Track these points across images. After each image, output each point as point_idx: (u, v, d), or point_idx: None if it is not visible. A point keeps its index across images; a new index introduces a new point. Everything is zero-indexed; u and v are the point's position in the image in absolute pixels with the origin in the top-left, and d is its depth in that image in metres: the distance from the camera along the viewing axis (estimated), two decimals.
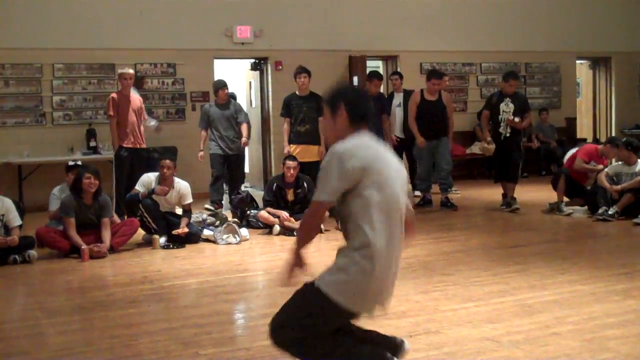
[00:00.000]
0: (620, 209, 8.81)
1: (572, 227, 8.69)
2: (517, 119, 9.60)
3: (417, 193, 10.35)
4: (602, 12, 15.77)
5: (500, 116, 9.71)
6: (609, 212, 8.79)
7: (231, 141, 10.37)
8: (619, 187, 8.94)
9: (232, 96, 11.25)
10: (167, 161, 8.21)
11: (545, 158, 14.30)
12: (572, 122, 15.69)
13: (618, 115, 16.17)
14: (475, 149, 14.30)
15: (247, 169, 14.49)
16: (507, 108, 9.69)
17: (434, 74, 10.19)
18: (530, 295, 5.35)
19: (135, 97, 9.77)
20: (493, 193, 10.57)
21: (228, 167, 10.51)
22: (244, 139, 10.39)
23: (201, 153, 10.47)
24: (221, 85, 10.51)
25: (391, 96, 11.65)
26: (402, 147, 11.11)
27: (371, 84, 10.57)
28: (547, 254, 7.03)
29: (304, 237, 3.57)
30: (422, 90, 10.24)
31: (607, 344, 4.20)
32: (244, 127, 10.44)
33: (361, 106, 3.49)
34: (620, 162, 9.38)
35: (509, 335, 4.41)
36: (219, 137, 10.33)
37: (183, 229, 7.99)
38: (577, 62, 16.16)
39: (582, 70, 16.60)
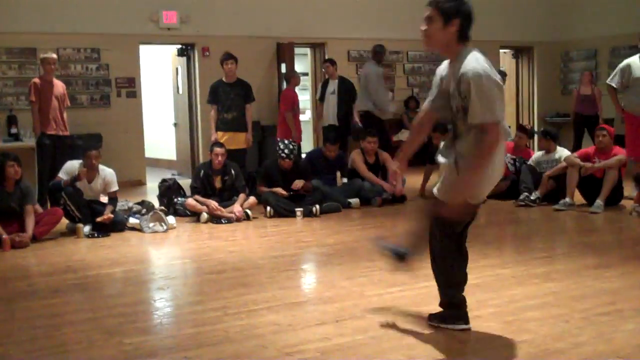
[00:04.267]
0: (541, 195, 9.06)
1: (495, 212, 8.88)
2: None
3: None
4: (525, 2, 16.11)
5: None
6: (531, 198, 9.03)
7: None
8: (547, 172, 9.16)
9: None
10: (94, 152, 8.05)
11: None
12: None
13: (540, 104, 16.58)
14: (402, 136, 14.48)
15: (174, 156, 14.42)
16: None
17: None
18: None
19: (58, 83, 9.54)
20: (418, 180, 10.70)
21: None
22: None
23: None
24: None
25: (325, 83, 11.66)
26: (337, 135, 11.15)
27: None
28: (470, 239, 7.06)
29: (485, 162, 3.74)
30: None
31: (527, 325, 4.32)
32: None
33: (470, 26, 3.80)
34: (541, 152, 9.66)
35: None
36: None
37: (107, 215, 7.87)
38: (501, 51, 16.48)
39: (506, 60, 16.94)
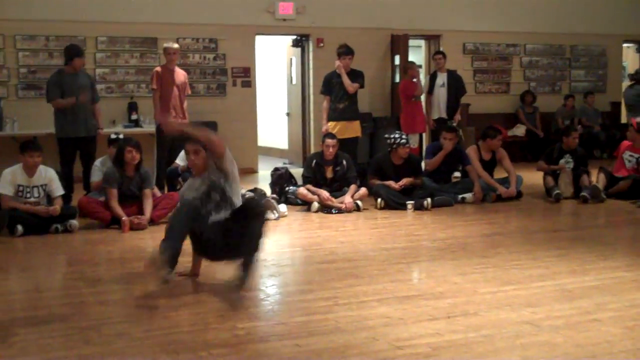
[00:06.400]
0: None
1: (615, 212, 8.55)
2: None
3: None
4: None
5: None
6: None
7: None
8: None
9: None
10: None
11: (588, 142, 13.77)
12: (617, 106, 15.40)
13: None
14: (517, 131, 14.14)
15: (286, 146, 14.59)
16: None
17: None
18: (571, 280, 5.29)
19: (180, 72, 9.77)
20: (533, 176, 10.44)
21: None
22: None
23: None
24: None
25: (434, 75, 11.48)
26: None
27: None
28: (588, 239, 6.93)
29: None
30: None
31: None
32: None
33: None
34: None
35: (549, 319, 4.35)
36: None
37: None
38: (624, 45, 15.84)
39: (629, 54, 16.28)
